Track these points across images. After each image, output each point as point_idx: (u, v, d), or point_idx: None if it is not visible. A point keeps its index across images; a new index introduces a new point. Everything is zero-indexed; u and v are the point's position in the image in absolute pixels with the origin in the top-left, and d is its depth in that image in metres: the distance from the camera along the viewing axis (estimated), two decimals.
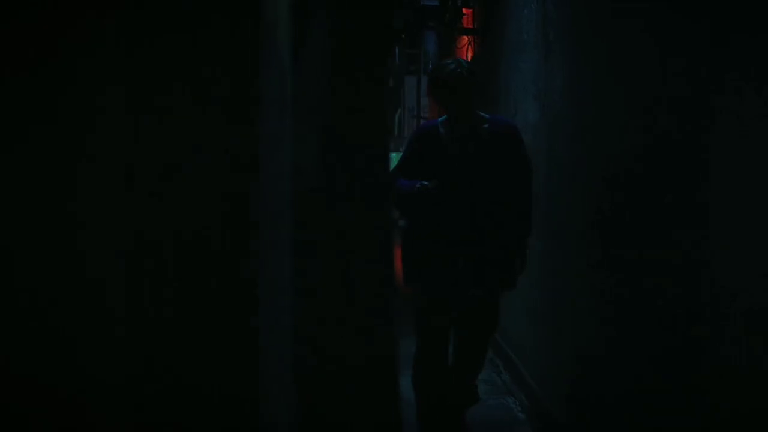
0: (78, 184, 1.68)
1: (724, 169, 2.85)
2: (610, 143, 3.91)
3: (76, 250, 1.69)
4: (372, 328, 2.94)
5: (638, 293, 3.56)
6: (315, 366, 2.46)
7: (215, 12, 1.70)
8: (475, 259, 4.56)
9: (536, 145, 5.29)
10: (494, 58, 7.53)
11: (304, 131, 2.19)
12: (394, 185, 4.46)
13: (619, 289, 3.79)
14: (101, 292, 1.70)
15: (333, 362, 2.67)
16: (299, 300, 2.24)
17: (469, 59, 10.19)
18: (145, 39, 1.68)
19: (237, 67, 1.69)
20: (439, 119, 4.71)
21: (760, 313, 2.64)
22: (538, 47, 5.43)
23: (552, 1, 5.10)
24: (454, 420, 4.88)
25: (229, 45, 1.70)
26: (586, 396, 4.25)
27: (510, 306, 5.87)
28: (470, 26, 10.33)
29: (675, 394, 3.19)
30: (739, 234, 2.76)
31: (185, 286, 1.70)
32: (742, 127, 2.75)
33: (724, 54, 2.83)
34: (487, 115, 4.64)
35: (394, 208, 4.44)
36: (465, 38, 10.48)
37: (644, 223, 3.50)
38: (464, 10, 10.61)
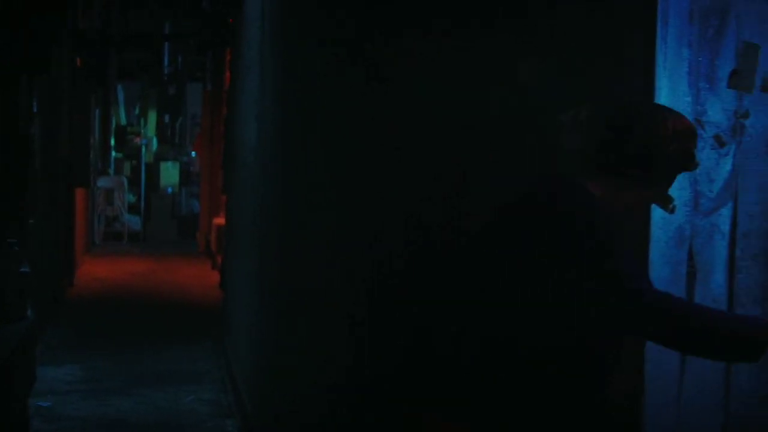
0: None
1: None
2: (298, 161, 3.90)
3: None
4: None
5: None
6: None
7: None
8: None
9: (256, 165, 5.25)
10: (237, 76, 7.45)
11: None
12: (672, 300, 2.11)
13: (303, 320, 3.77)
14: None
15: None
16: None
17: (227, 77, 9.66)
18: None
19: None
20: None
21: None
22: (259, 66, 5.39)
23: (269, 20, 5.06)
24: None
25: None
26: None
27: (237, 317, 5.80)
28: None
29: None
30: None
31: None
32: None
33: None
34: None
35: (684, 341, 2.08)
36: (229, 51, 10.31)
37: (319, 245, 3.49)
38: (231, 21, 10.44)
